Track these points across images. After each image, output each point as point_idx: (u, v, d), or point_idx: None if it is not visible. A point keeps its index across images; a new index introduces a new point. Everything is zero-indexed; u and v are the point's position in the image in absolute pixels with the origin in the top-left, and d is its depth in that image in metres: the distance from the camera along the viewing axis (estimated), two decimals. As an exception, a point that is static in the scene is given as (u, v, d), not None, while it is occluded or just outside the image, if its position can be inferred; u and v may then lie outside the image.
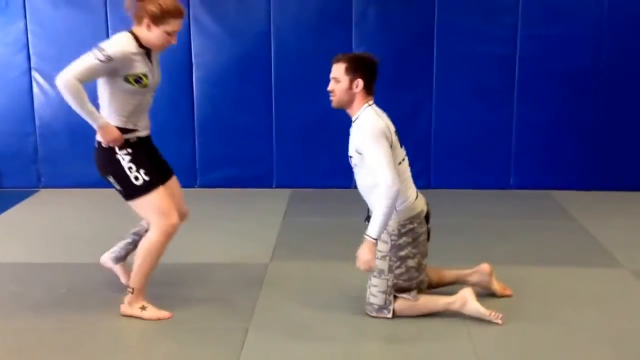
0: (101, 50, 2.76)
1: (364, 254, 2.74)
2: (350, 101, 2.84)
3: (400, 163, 2.84)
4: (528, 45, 4.97)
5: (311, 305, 3.09)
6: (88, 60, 2.76)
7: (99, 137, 2.94)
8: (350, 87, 2.82)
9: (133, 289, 2.91)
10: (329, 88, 2.87)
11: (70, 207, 4.89)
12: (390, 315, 2.88)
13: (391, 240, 2.84)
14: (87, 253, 3.84)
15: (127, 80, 2.82)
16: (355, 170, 2.91)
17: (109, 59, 2.75)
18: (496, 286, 3.10)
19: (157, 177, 2.93)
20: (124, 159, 2.89)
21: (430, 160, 5.14)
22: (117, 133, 2.86)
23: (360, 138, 2.78)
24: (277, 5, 5.06)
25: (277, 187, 5.23)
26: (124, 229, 4.27)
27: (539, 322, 2.90)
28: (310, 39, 5.09)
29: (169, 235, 2.88)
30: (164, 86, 5.13)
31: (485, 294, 3.09)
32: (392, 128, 2.84)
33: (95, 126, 2.84)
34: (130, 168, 2.87)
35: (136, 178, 2.86)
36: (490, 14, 4.98)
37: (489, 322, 2.87)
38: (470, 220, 4.42)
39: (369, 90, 2.85)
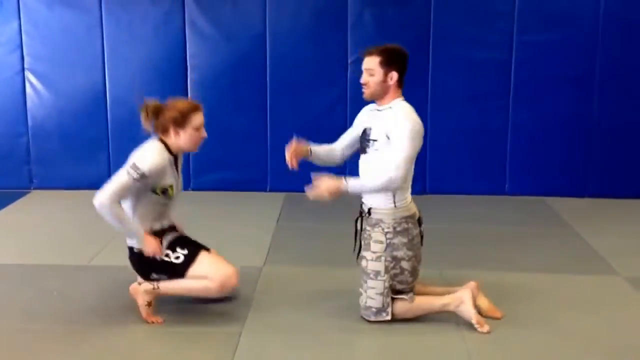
0: (135, 168, 2.79)
1: (327, 182, 2.74)
2: (384, 93, 2.85)
3: (412, 164, 2.87)
4: (523, 51, 4.98)
5: (305, 310, 3.07)
6: (122, 179, 2.80)
7: (130, 243, 2.94)
8: (384, 80, 2.82)
9: (159, 288, 2.88)
10: (363, 81, 2.87)
11: (62, 208, 4.87)
12: (389, 318, 2.85)
13: (386, 239, 2.82)
14: (78, 255, 3.84)
15: (154, 191, 2.86)
16: (368, 155, 2.88)
17: (144, 176, 2.79)
18: (483, 303, 2.95)
19: (194, 246, 2.97)
20: (165, 245, 2.93)
21: (426, 165, 5.13)
22: (156, 244, 2.88)
23: (399, 126, 2.75)
24: (273, 8, 5.06)
25: (271, 190, 5.22)
26: (114, 231, 4.24)
27: (534, 328, 2.89)
28: (305, 43, 5.09)
29: (223, 285, 2.86)
30: (159, 88, 5.19)
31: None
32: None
33: (136, 241, 2.86)
34: (167, 255, 2.90)
35: (177, 257, 2.89)
36: (486, 19, 4.99)
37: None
38: (465, 225, 4.41)
39: (401, 83, 2.86)
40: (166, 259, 2.89)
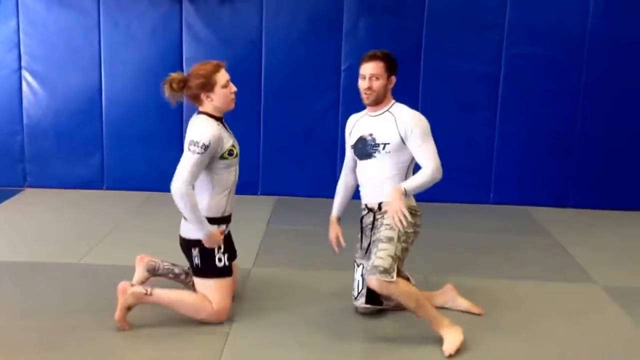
0: (196, 144, 2.82)
1: (395, 201, 2.74)
2: (384, 98, 2.99)
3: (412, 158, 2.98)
4: (512, 63, 5.04)
5: (292, 311, 3.11)
6: (189, 160, 2.83)
7: (189, 234, 2.97)
8: (387, 84, 2.96)
9: (152, 295, 2.86)
10: (367, 85, 2.95)
11: (55, 207, 4.88)
12: (394, 279, 2.69)
13: (410, 218, 2.82)
14: (69, 253, 3.85)
15: (222, 157, 2.90)
16: (376, 160, 2.96)
17: (206, 147, 2.82)
18: (462, 302, 3.13)
19: (232, 258, 3.03)
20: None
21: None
22: (220, 239, 2.94)
23: (418, 124, 2.92)
24: (269, 14, 5.09)
25: (262, 194, 5.25)
26: (108, 229, 4.32)
27: (513, 334, 2.95)
28: (300, 49, 5.12)
29: (215, 320, 2.93)
30: (154, 89, 5.15)
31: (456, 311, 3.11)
32: None
33: (202, 233, 2.88)
34: (219, 248, 2.94)
35: (219, 260, 2.94)
36: (476, 31, 5.04)
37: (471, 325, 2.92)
38: (450, 233, 4.47)
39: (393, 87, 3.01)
40: (215, 250, 2.92)
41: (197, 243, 2.92)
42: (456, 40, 5.06)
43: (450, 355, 2.69)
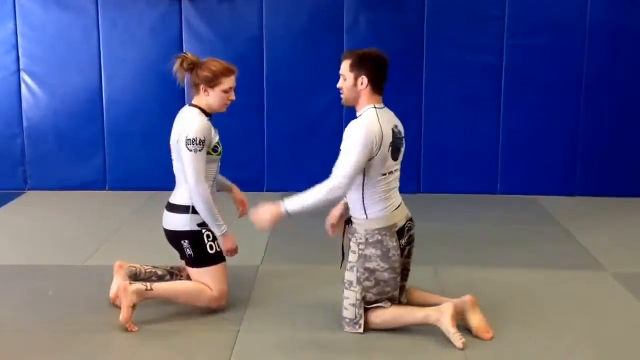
0: (193, 142, 2.83)
1: (264, 210, 2.64)
2: (357, 99, 2.74)
3: (385, 175, 2.71)
4: (514, 54, 5.02)
5: (301, 308, 3.05)
6: (195, 159, 2.84)
7: (174, 200, 2.96)
8: (355, 84, 2.71)
9: (152, 290, 2.82)
10: (338, 85, 2.80)
11: (57, 209, 4.83)
12: (361, 331, 2.74)
13: (359, 249, 2.74)
14: (73, 255, 3.81)
15: (208, 152, 2.89)
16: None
17: (203, 142, 2.84)
18: (475, 320, 2.76)
19: (221, 250, 2.99)
20: (207, 232, 2.93)
21: (421, 165, 5.15)
22: (235, 243, 2.96)
23: (348, 132, 2.67)
24: (270, 11, 5.06)
25: (268, 190, 5.20)
26: (113, 230, 4.26)
27: (526, 324, 2.89)
28: (301, 46, 5.09)
29: (216, 305, 2.93)
30: (155, 89, 5.17)
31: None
32: (388, 139, 2.68)
33: (218, 233, 2.91)
34: (208, 236, 2.92)
35: (211, 247, 2.92)
36: (477, 24, 5.02)
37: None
38: (459, 224, 4.43)
39: (375, 88, 2.72)
40: (205, 239, 2.90)
41: (186, 234, 2.91)
42: (458, 33, 5.04)
43: (464, 345, 2.63)
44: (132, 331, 2.75)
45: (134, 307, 2.77)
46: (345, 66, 2.74)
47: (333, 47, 5.02)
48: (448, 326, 2.66)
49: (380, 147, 2.65)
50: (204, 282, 2.92)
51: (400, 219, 2.76)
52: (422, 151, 5.17)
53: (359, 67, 2.70)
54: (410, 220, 2.83)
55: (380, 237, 2.72)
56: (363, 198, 2.73)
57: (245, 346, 2.70)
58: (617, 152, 5.11)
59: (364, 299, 2.75)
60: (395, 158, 2.75)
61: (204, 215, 2.87)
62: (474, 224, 4.47)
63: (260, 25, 5.07)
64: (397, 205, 2.78)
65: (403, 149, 2.83)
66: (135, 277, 3.07)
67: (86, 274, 3.53)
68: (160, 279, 3.11)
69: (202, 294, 2.89)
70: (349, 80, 2.73)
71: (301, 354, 2.66)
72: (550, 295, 3.22)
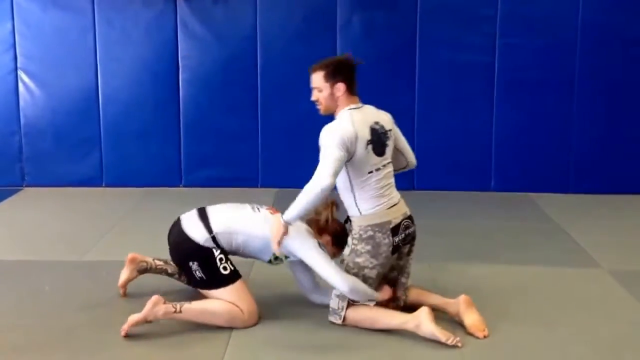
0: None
1: (273, 229, 2.62)
2: (336, 106, 2.75)
3: (371, 172, 2.67)
4: (506, 53, 5.00)
5: (295, 305, 3.00)
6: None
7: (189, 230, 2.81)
8: (332, 93, 2.71)
9: (181, 312, 2.65)
10: (313, 98, 2.77)
11: (54, 205, 4.80)
12: (339, 322, 2.73)
13: (352, 244, 2.73)
14: (70, 251, 3.77)
15: None
16: None
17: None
18: (469, 319, 2.70)
19: (235, 267, 2.82)
20: (217, 254, 2.76)
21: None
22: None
23: (321, 138, 2.66)
24: (264, 10, 5.04)
25: (262, 187, 5.18)
26: (109, 226, 4.22)
27: (522, 321, 2.84)
28: (295, 44, 5.06)
29: (250, 325, 2.75)
30: (150, 87, 5.15)
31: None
32: (364, 137, 2.64)
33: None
34: (221, 259, 2.75)
35: (225, 268, 2.75)
36: (470, 23, 5.00)
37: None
38: (453, 221, 4.39)
39: (351, 91, 2.73)
40: (218, 262, 2.73)
41: (195, 253, 2.75)
42: (450, 32, 5.02)
43: (445, 336, 2.57)
44: (122, 334, 2.62)
45: (150, 321, 2.63)
46: (318, 78, 2.73)
47: (326, 46, 5.02)
48: (433, 331, 2.58)
49: (356, 147, 2.63)
50: (234, 300, 2.73)
51: (395, 217, 2.72)
52: (415, 149, 5.08)
53: (334, 75, 2.71)
54: (408, 218, 2.78)
55: (372, 233, 2.69)
56: (355, 197, 2.71)
57: (239, 342, 2.66)
58: (610, 149, 5.09)
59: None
60: (379, 154, 2.71)
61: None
62: (468, 220, 4.44)
63: (254, 25, 5.04)
64: (393, 203, 2.73)
65: (390, 142, 2.79)
66: (145, 271, 3.03)
67: (83, 269, 3.48)
68: (170, 276, 3.04)
69: (235, 316, 2.70)
70: (325, 91, 2.73)
71: (294, 350, 2.61)
72: (544, 292, 3.18)
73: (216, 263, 2.75)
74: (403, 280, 2.84)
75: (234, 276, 2.77)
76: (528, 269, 3.50)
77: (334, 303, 2.77)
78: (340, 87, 2.70)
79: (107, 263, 3.48)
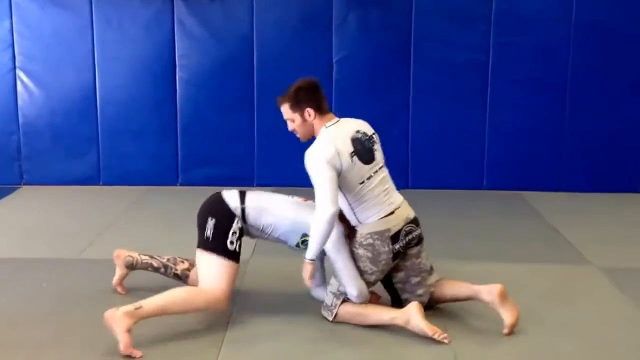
0: None
1: (303, 273, 2.71)
2: (313, 130, 2.78)
3: (362, 182, 2.69)
4: (500, 52, 5.00)
5: (290, 301, 3.03)
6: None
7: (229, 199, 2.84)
8: (304, 120, 2.75)
9: (141, 307, 2.55)
10: (290, 129, 2.83)
11: (53, 203, 4.81)
12: (330, 318, 2.77)
13: (354, 247, 2.76)
14: (68, 248, 3.78)
15: None
16: None
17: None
18: (507, 313, 2.67)
19: (239, 253, 2.84)
20: (236, 225, 2.80)
21: (408, 161, 5.14)
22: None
23: (306, 164, 2.69)
24: (260, 10, 5.04)
25: (258, 185, 5.18)
26: (106, 224, 4.24)
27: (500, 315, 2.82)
28: (291, 43, 5.07)
29: (209, 309, 2.73)
30: (148, 86, 5.15)
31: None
32: (346, 150, 2.67)
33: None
34: (234, 233, 2.78)
35: (231, 243, 2.77)
36: (464, 22, 5.00)
37: (467, 320, 2.83)
38: (445, 219, 4.40)
39: (321, 111, 2.75)
40: (230, 233, 2.76)
41: (216, 213, 2.79)
42: (445, 31, 5.03)
43: (436, 332, 2.58)
44: (137, 357, 2.48)
45: (128, 331, 2.50)
46: (286, 110, 2.79)
47: (322, 44, 5.04)
48: (422, 327, 2.60)
49: (341, 162, 2.66)
50: (208, 272, 2.74)
51: (395, 224, 2.73)
52: (409, 147, 5.16)
53: (297, 103, 2.75)
54: (412, 222, 2.78)
55: (372, 241, 2.72)
56: (352, 209, 2.75)
57: (235, 335, 2.69)
58: (602, 148, 5.10)
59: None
60: (367, 161, 2.72)
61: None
62: (460, 218, 4.45)
63: (250, 23, 5.04)
64: (392, 210, 2.74)
65: (377, 146, 2.80)
66: (131, 266, 3.04)
67: (80, 266, 3.50)
68: (156, 270, 3.06)
69: (199, 296, 2.69)
70: (297, 120, 2.78)
71: (289, 346, 2.64)
72: (535, 289, 3.19)
73: (228, 232, 2.76)
74: (416, 280, 2.83)
75: (233, 255, 2.77)
76: (519, 266, 3.52)
77: (328, 300, 2.81)
78: (310, 111, 2.74)
79: (105, 261, 3.49)
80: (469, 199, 4.95)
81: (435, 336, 2.58)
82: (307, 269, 2.70)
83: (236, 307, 2.96)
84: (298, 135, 2.83)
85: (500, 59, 5.01)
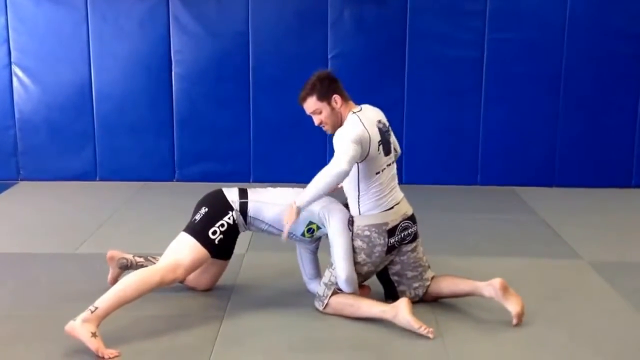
0: None
1: (285, 214, 2.70)
2: (341, 118, 2.78)
3: (378, 173, 2.73)
4: (494, 49, 5.02)
5: (284, 295, 3.06)
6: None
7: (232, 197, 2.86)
8: (333, 108, 2.76)
9: (97, 308, 2.49)
10: (317, 123, 2.82)
11: (48, 199, 4.81)
12: (321, 308, 2.80)
13: (350, 239, 2.78)
14: (65, 243, 3.79)
15: None
16: None
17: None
18: (512, 304, 2.70)
19: (219, 250, 2.84)
20: (227, 219, 2.82)
21: (403, 157, 5.15)
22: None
23: (339, 133, 2.70)
24: (255, 6, 5.05)
25: (254, 181, 5.20)
26: (103, 219, 4.25)
27: (502, 312, 2.84)
28: (286, 40, 5.08)
29: (164, 281, 2.66)
30: (144, 82, 5.16)
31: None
32: (376, 137, 2.71)
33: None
34: (222, 225, 2.80)
35: (214, 232, 2.79)
36: (459, 18, 5.02)
37: (458, 312, 2.87)
38: (439, 214, 4.42)
39: (345, 97, 2.78)
40: (216, 225, 2.78)
41: (212, 203, 2.84)
42: (440, 27, 5.05)
43: (432, 334, 2.61)
44: (114, 356, 2.45)
45: (94, 335, 2.45)
46: (312, 102, 2.78)
47: (317, 41, 5.05)
48: (410, 322, 2.62)
49: (370, 146, 2.69)
50: (172, 253, 2.72)
51: (393, 219, 2.77)
52: (404, 143, 5.16)
53: (325, 93, 2.75)
54: (409, 219, 2.82)
55: (369, 233, 2.75)
56: (358, 198, 2.77)
57: (230, 330, 2.71)
58: (594, 144, 5.13)
59: (335, 282, 2.79)
60: (387, 152, 2.78)
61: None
62: (454, 214, 4.48)
63: (246, 20, 5.05)
64: (393, 204, 2.78)
65: (392, 139, 2.86)
66: (125, 268, 3.04)
67: (77, 261, 3.51)
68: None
69: (151, 272, 2.64)
70: (325, 110, 2.77)
71: (282, 338, 2.66)
72: (527, 283, 3.21)
73: (216, 222, 2.78)
74: (412, 274, 2.86)
75: (209, 244, 2.76)
76: (511, 260, 3.56)
77: (320, 290, 2.84)
78: (337, 98, 2.76)
79: (101, 255, 3.50)
80: (463, 194, 4.98)
81: (421, 330, 2.61)
82: (292, 213, 2.65)
83: (231, 301, 2.99)
84: (326, 128, 2.81)
85: (494, 56, 5.03)
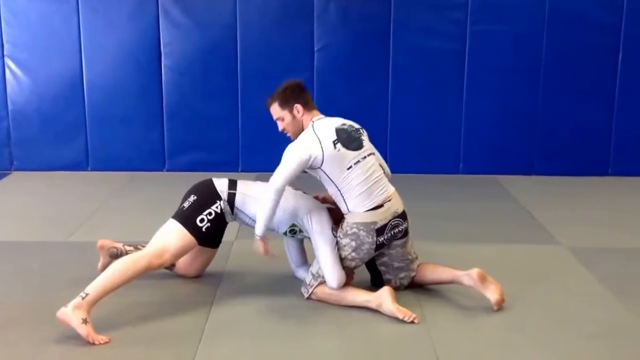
0: None
1: (254, 247, 2.75)
2: (302, 126, 2.81)
3: (350, 168, 2.71)
4: (476, 40, 5.01)
5: (272, 282, 3.04)
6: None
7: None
8: (294, 116, 2.79)
9: (88, 294, 2.48)
10: (280, 129, 2.86)
11: (43, 188, 4.77)
12: (306, 295, 2.81)
13: (338, 236, 2.78)
14: (57, 231, 3.77)
15: None
16: None
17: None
18: (491, 292, 2.71)
19: (206, 238, 2.82)
20: (215, 207, 2.81)
21: (387, 146, 5.14)
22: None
23: (286, 150, 2.74)
24: (243, -1, 5.00)
25: (242, 171, 5.17)
26: (94, 208, 4.22)
27: (481, 295, 2.83)
28: (274, 32, 5.04)
29: (151, 266, 2.66)
30: (134, 73, 5.10)
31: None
32: (330, 138, 2.70)
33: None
34: (210, 213, 2.79)
35: (202, 220, 2.77)
36: (441, 11, 5.00)
37: (441, 298, 2.87)
38: (422, 202, 4.37)
39: (308, 107, 2.81)
40: (204, 213, 2.77)
41: (201, 192, 2.82)
42: (423, 19, 5.03)
43: (405, 314, 2.62)
44: (105, 342, 2.45)
45: (84, 321, 2.44)
46: (275, 109, 2.83)
47: (304, 33, 5.02)
48: (393, 310, 2.63)
49: (322, 149, 2.68)
50: (159, 238, 2.71)
51: (382, 217, 2.74)
52: (388, 133, 5.17)
53: (287, 101, 2.79)
54: (399, 216, 2.80)
55: (357, 231, 2.74)
56: (342, 195, 2.75)
57: (219, 315, 2.70)
58: (574, 133, 5.14)
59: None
60: (355, 148, 2.75)
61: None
62: (437, 201, 4.48)
63: (234, 12, 5.00)
64: (382, 202, 2.75)
65: (365, 137, 2.84)
66: (115, 257, 3.00)
67: (69, 249, 3.49)
68: None
69: (138, 257, 2.63)
70: (286, 118, 2.82)
71: (271, 324, 2.65)
72: (506, 268, 3.22)
73: (204, 210, 2.77)
74: (399, 265, 2.87)
75: (197, 231, 2.75)
76: (491, 246, 3.56)
77: (307, 278, 2.84)
78: (298, 107, 2.78)
79: (93, 243, 3.46)
80: (446, 183, 4.98)
81: (405, 318, 2.62)
82: (257, 244, 2.73)
83: (220, 287, 2.97)
84: (289, 135, 2.85)
85: (476, 47, 5.02)
